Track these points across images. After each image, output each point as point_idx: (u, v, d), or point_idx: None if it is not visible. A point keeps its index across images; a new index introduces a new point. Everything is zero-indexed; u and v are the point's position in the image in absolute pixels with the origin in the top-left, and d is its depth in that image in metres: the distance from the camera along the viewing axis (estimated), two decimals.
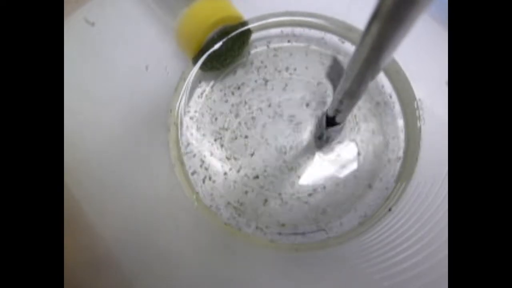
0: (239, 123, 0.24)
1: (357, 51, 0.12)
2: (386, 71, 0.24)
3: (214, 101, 0.25)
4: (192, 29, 0.22)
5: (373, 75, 0.13)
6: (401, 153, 0.23)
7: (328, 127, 0.21)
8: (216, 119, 0.24)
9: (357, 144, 0.23)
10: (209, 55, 0.24)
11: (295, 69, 0.25)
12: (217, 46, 0.24)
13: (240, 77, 0.25)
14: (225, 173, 0.23)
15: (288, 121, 0.24)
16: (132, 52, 0.23)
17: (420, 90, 0.23)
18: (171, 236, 0.21)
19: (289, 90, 0.24)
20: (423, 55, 0.22)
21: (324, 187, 0.22)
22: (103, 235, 0.18)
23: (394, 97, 0.24)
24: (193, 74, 0.25)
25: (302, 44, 0.26)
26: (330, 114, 0.20)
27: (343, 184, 0.22)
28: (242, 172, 0.23)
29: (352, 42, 0.25)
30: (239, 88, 0.25)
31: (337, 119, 0.19)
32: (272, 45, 0.26)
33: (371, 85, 0.15)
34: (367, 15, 0.10)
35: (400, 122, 0.23)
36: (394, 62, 0.24)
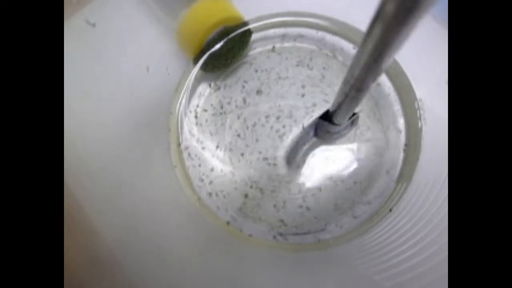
0: (240, 124, 0.24)
1: (358, 53, 0.12)
2: (387, 71, 0.24)
3: (215, 101, 0.25)
4: (192, 30, 0.22)
5: (375, 77, 0.13)
6: (401, 154, 0.23)
7: (325, 121, 0.21)
8: (216, 119, 0.24)
9: (357, 144, 0.23)
10: (210, 56, 0.24)
11: (295, 69, 0.25)
12: (217, 46, 0.24)
13: (241, 77, 0.25)
14: (226, 174, 0.23)
15: (289, 122, 0.24)
16: (133, 52, 0.23)
17: (421, 90, 0.23)
18: (172, 236, 0.21)
19: (290, 90, 0.24)
20: (424, 55, 0.21)
21: (325, 188, 0.22)
22: (104, 235, 0.18)
23: (395, 97, 0.24)
24: (194, 75, 0.25)
25: (302, 45, 0.26)
26: (331, 115, 0.20)
27: (343, 185, 0.22)
28: (243, 173, 0.23)
29: (353, 42, 0.25)
30: (239, 88, 0.25)
31: (338, 120, 0.19)
32: (273, 46, 0.26)
33: (371, 85, 0.15)
34: (367, 15, 0.10)
35: (401, 122, 0.23)
36: (395, 62, 0.24)
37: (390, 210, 0.21)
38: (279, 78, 0.25)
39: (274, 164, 0.23)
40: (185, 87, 0.25)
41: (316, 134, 0.23)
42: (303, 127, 0.23)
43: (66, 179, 0.17)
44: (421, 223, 0.19)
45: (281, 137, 0.23)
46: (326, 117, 0.20)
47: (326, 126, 0.21)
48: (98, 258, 0.18)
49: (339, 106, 0.17)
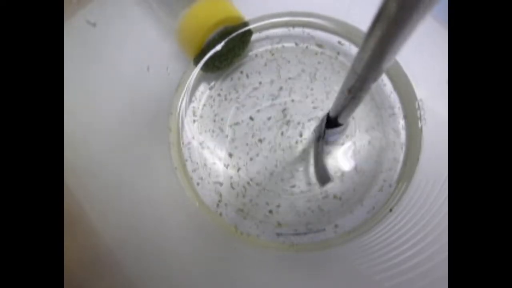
0: (240, 124, 0.24)
1: (359, 53, 0.12)
2: (387, 71, 0.24)
3: (215, 101, 0.25)
4: (193, 30, 0.22)
5: (375, 77, 0.13)
6: (402, 154, 0.23)
7: (329, 129, 0.21)
8: (217, 119, 0.24)
9: (358, 145, 0.23)
10: (210, 56, 0.24)
11: (295, 69, 0.25)
12: (218, 46, 0.24)
13: (241, 77, 0.25)
14: (226, 174, 0.23)
15: (289, 122, 0.24)
16: (134, 52, 0.23)
17: (421, 90, 0.23)
18: (172, 237, 0.21)
19: (289, 90, 0.24)
20: (424, 55, 0.21)
21: (324, 188, 0.22)
22: (104, 235, 0.18)
23: (395, 97, 0.24)
24: (194, 75, 0.25)
25: (302, 44, 0.26)
26: (332, 115, 0.20)
27: (343, 185, 0.22)
28: (243, 173, 0.23)
29: (353, 42, 0.25)
30: (240, 88, 0.25)
31: (339, 120, 0.19)
32: (273, 46, 0.26)
33: (372, 85, 0.15)
34: (367, 15, 0.10)
35: (401, 123, 0.23)
36: (395, 62, 0.24)
37: (390, 210, 0.21)
38: (280, 78, 0.25)
39: (276, 164, 0.23)
40: (185, 87, 0.25)
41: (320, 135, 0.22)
42: (314, 130, 0.23)
43: (66, 179, 0.17)
44: (421, 223, 0.19)
45: (283, 137, 0.23)
46: (328, 120, 0.20)
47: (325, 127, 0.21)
48: (98, 258, 0.18)
49: (340, 105, 0.17)
